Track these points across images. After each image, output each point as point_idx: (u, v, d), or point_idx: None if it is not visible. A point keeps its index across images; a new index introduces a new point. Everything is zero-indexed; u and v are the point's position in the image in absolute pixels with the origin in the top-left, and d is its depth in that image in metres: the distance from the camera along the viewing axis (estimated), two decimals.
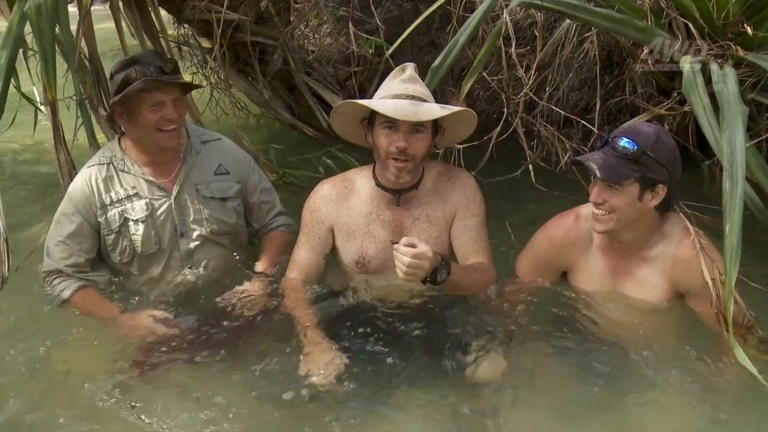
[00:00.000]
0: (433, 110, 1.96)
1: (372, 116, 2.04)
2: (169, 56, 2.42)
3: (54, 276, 2.20)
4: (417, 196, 2.12)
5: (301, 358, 1.95)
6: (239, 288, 2.18)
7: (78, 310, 2.19)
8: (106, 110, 2.54)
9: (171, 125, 2.11)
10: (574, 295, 2.13)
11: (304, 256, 2.19)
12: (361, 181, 2.17)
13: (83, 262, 2.21)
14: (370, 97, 2.10)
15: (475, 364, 1.95)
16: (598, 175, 1.86)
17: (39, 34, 2.20)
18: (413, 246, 1.84)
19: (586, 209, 2.01)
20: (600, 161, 1.87)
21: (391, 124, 1.97)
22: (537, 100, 2.92)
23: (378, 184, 2.11)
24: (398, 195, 2.10)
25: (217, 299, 2.15)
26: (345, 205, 2.15)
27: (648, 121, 2.63)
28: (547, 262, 2.16)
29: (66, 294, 2.17)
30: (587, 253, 2.09)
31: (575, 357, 2.01)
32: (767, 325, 1.95)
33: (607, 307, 2.07)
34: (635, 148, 1.84)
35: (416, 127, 1.97)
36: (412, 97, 1.97)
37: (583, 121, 2.84)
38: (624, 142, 1.85)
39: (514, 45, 2.67)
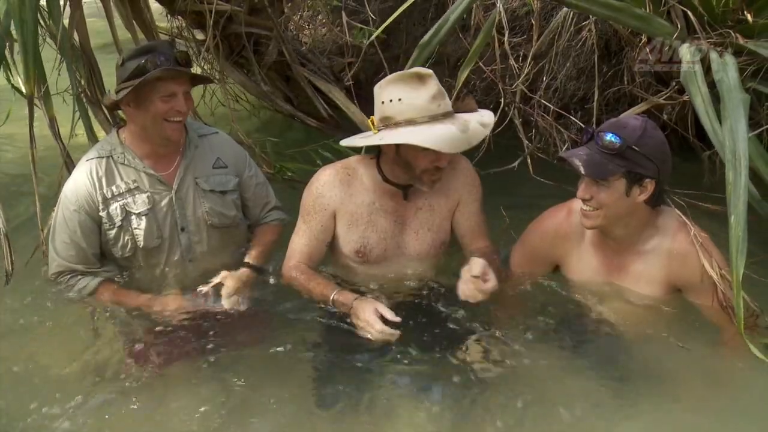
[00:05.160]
0: (478, 132, 1.94)
1: None
2: None
3: (68, 275, 2.19)
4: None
5: (352, 320, 1.93)
6: (216, 279, 2.15)
7: (101, 304, 2.19)
8: (103, 99, 2.49)
9: (179, 117, 2.10)
10: (569, 290, 2.11)
11: (304, 244, 2.14)
12: (363, 171, 2.12)
13: (92, 259, 2.20)
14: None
15: (469, 355, 1.95)
16: (582, 171, 1.82)
17: (21, 25, 2.15)
18: (485, 276, 1.83)
19: (579, 204, 1.99)
20: (584, 157, 1.83)
21: None
22: (530, 95, 2.89)
23: (385, 180, 2.08)
24: (406, 190, 2.08)
25: (199, 288, 2.13)
26: (348, 192, 2.10)
27: (646, 110, 2.61)
28: (539, 255, 2.14)
29: (88, 290, 2.17)
30: (579, 249, 2.06)
31: (572, 351, 2.00)
32: None
33: (602, 303, 2.05)
34: (620, 142, 1.79)
35: None
36: (451, 115, 1.92)
37: (574, 119, 2.82)
38: (609, 137, 1.80)
39: (507, 35, 2.64)
